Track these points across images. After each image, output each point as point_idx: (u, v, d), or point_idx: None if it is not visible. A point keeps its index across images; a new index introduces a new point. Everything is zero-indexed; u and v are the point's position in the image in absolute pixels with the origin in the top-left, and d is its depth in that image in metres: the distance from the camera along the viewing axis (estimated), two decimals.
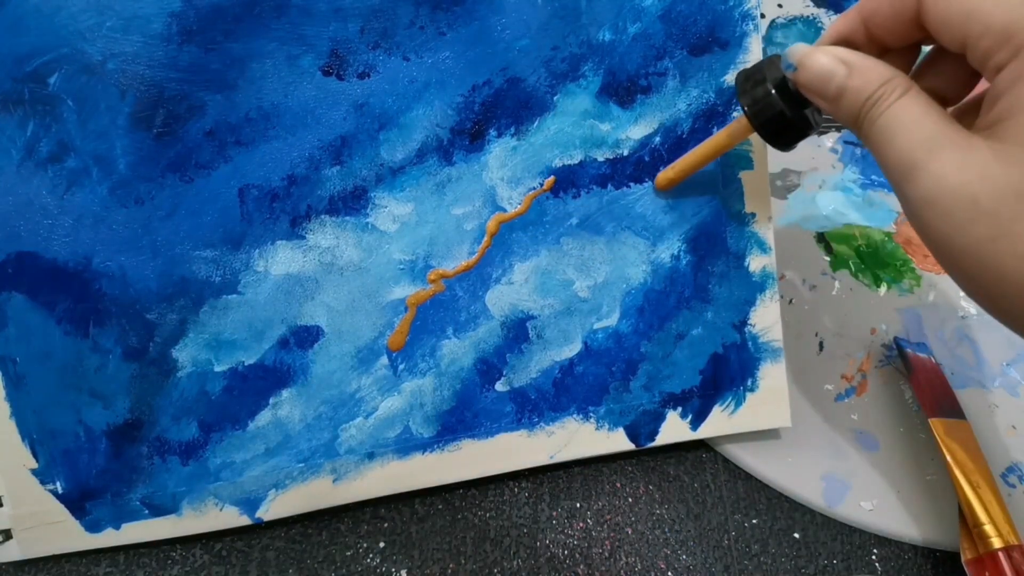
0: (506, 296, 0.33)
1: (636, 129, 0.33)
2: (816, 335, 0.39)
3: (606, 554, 0.34)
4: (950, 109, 0.24)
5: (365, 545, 0.34)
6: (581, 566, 0.34)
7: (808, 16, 0.47)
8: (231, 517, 0.32)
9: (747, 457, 0.36)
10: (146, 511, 0.32)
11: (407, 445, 0.33)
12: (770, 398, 0.35)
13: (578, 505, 0.35)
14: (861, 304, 0.40)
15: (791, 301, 0.40)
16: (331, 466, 0.33)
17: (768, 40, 0.46)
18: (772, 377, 0.35)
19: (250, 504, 0.32)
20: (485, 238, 0.33)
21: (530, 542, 0.34)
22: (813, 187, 0.43)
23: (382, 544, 0.34)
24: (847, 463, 0.36)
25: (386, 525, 0.34)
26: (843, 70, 0.23)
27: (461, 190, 0.32)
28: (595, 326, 0.34)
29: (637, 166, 0.33)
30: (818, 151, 0.44)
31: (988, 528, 0.31)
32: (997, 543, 0.31)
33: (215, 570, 0.33)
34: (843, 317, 0.40)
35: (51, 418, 0.31)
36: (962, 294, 0.41)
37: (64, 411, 0.31)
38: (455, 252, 0.33)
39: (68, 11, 0.28)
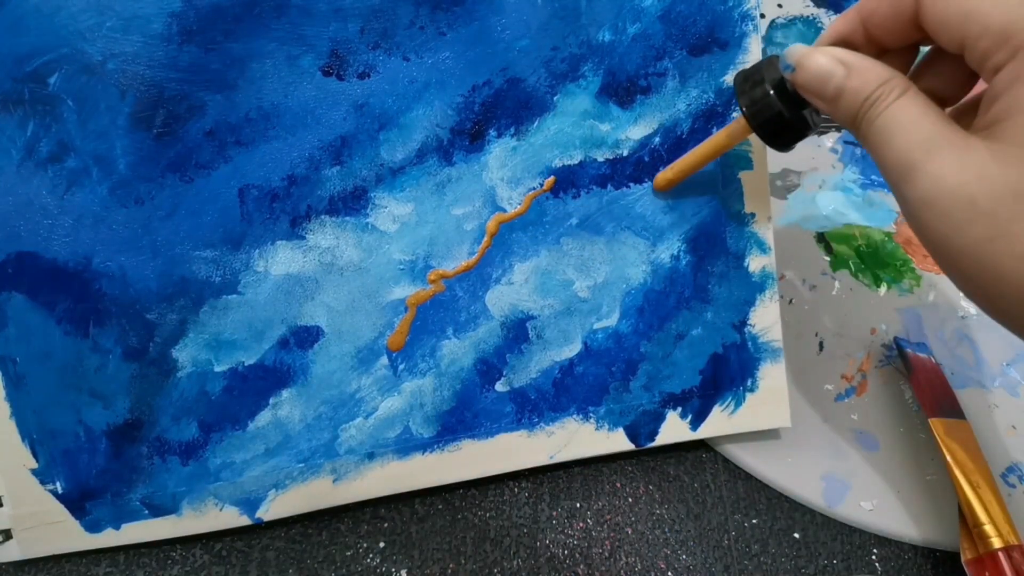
0: (506, 296, 0.33)
1: (636, 129, 0.33)
2: (816, 335, 0.39)
3: (606, 554, 0.34)
4: (948, 110, 0.24)
5: (365, 545, 0.34)
6: (581, 566, 0.34)
7: (808, 16, 0.47)
8: (231, 517, 0.32)
9: (747, 457, 0.36)
10: (146, 511, 0.32)
11: (407, 445, 0.33)
12: (770, 398, 0.35)
13: (578, 505, 0.35)
14: (861, 304, 0.40)
15: (791, 301, 0.40)
16: (331, 466, 0.33)
17: (768, 40, 0.46)
18: (772, 377, 0.35)
19: (250, 504, 0.32)
20: (485, 238, 0.33)
21: (530, 542, 0.34)
22: (813, 187, 0.43)
23: (382, 544, 0.34)
24: (847, 463, 0.36)
25: (386, 525, 0.34)
26: (841, 71, 0.23)
27: (461, 190, 0.32)
28: (595, 326, 0.34)
29: (637, 166, 0.33)
30: (818, 151, 0.44)
31: (988, 528, 0.31)
32: (997, 543, 0.31)
33: (215, 570, 0.33)
34: (843, 317, 0.40)
35: (51, 418, 0.31)
36: (962, 294, 0.41)
37: (64, 411, 0.31)
38: (455, 252, 0.33)
39: (68, 11, 0.28)
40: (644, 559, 0.34)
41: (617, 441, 0.34)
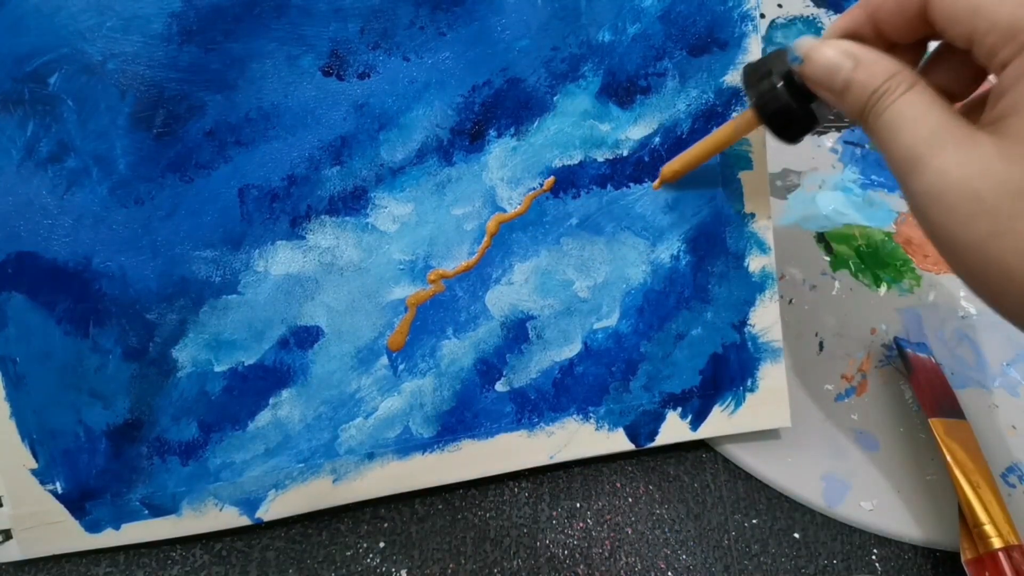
0: (506, 296, 0.33)
1: (636, 129, 0.33)
2: (816, 335, 0.39)
3: (606, 554, 0.34)
4: (956, 106, 0.24)
5: (365, 545, 0.34)
6: (581, 566, 0.34)
7: (808, 16, 0.47)
8: (231, 517, 0.32)
9: (747, 457, 0.36)
10: (146, 511, 0.32)
11: (407, 445, 0.33)
12: (770, 398, 0.35)
13: (578, 505, 0.35)
14: (861, 304, 0.40)
15: (791, 301, 0.40)
16: (331, 466, 0.33)
17: (768, 40, 0.46)
18: (772, 377, 0.35)
19: (250, 504, 0.32)
20: (485, 238, 0.33)
21: (530, 542, 0.34)
22: (813, 187, 0.43)
23: (382, 544, 0.34)
24: (847, 463, 0.36)
25: (386, 525, 0.34)
26: (849, 63, 0.23)
27: (461, 190, 0.32)
28: (595, 326, 0.34)
29: (637, 166, 0.33)
30: (818, 151, 0.44)
31: (988, 528, 0.31)
32: (997, 543, 0.31)
33: (215, 570, 0.33)
34: (843, 317, 0.40)
35: (51, 418, 0.31)
36: (962, 294, 0.41)
37: (64, 411, 0.31)
38: (455, 252, 0.33)
39: (68, 11, 0.28)
40: (644, 559, 0.34)
41: (617, 441, 0.34)
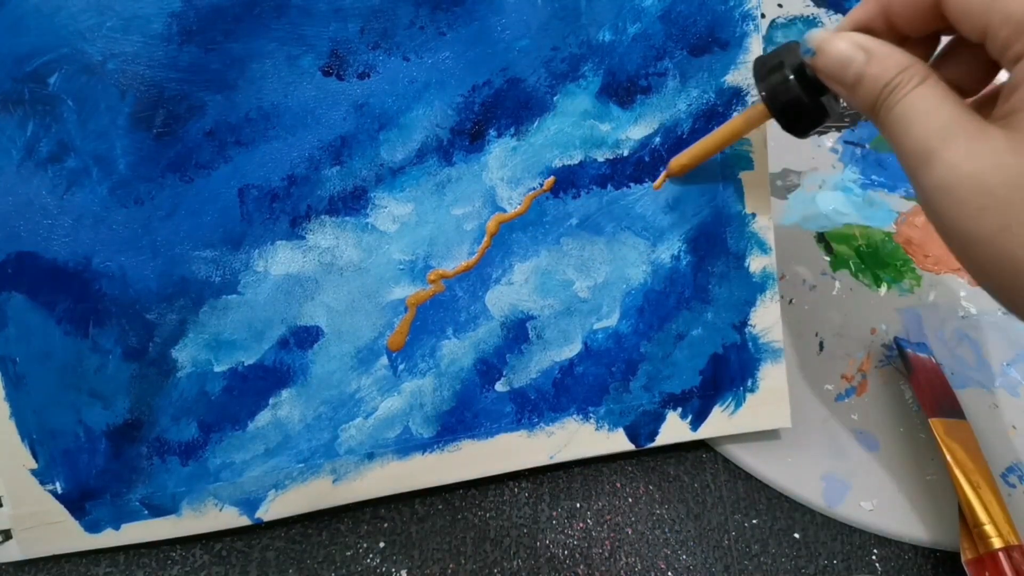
0: (506, 296, 0.33)
1: (636, 129, 0.33)
2: (816, 335, 0.39)
3: (606, 554, 0.34)
4: (968, 101, 0.24)
5: (365, 545, 0.34)
6: (581, 566, 0.34)
7: (808, 16, 0.47)
8: (231, 517, 0.32)
9: (747, 457, 0.36)
10: (146, 511, 0.32)
11: (407, 445, 0.33)
12: (770, 398, 0.35)
13: (578, 505, 0.35)
14: (861, 304, 0.40)
15: (791, 301, 0.40)
16: (331, 466, 0.33)
17: (768, 40, 0.46)
18: (772, 377, 0.35)
19: (250, 504, 0.32)
20: (485, 238, 0.33)
21: (530, 542, 0.34)
22: (813, 187, 0.43)
23: (382, 544, 0.34)
24: (847, 463, 0.36)
25: (386, 525, 0.34)
26: (861, 56, 0.23)
27: (461, 190, 0.32)
28: (595, 326, 0.34)
29: (637, 166, 0.33)
30: (818, 151, 0.44)
31: (988, 528, 0.31)
32: (997, 543, 0.31)
33: (215, 570, 0.33)
34: (843, 317, 0.40)
35: (51, 418, 0.31)
36: (962, 294, 0.41)
37: (64, 411, 0.31)
38: (455, 252, 0.33)
39: (68, 11, 0.28)
40: (644, 559, 0.34)
41: (617, 441, 0.34)
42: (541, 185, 0.33)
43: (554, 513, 0.35)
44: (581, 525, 0.34)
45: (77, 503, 0.31)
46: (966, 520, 0.32)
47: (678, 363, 0.34)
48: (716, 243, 0.34)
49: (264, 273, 0.31)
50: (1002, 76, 0.23)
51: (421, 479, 0.33)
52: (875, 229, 0.42)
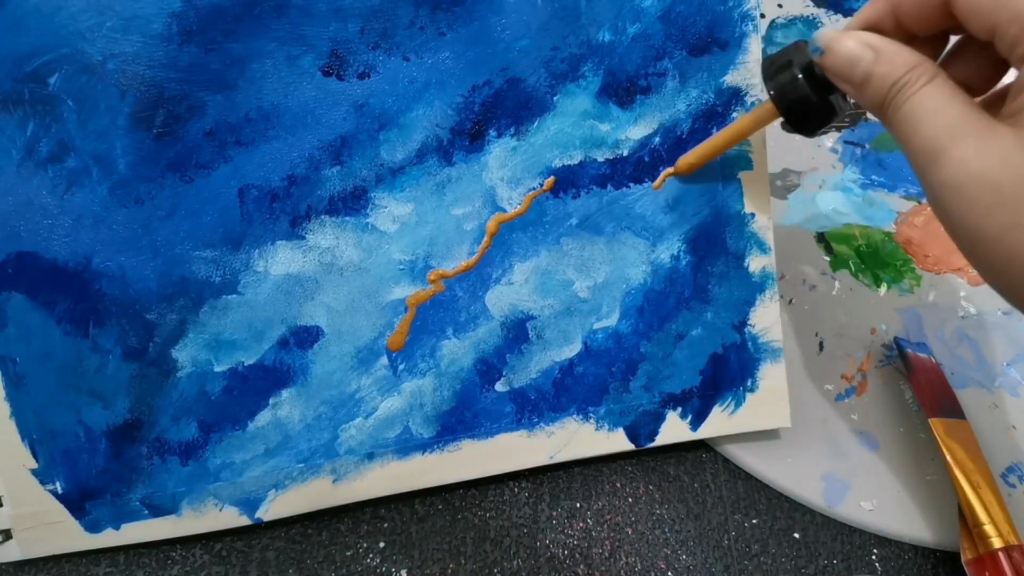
0: (506, 296, 0.33)
1: (636, 129, 0.33)
2: (816, 335, 0.39)
3: (606, 554, 0.34)
4: (977, 99, 0.24)
5: (365, 545, 0.34)
6: (581, 566, 0.34)
7: (808, 16, 0.47)
8: (231, 517, 0.32)
9: (747, 457, 0.36)
10: (146, 511, 0.32)
11: (407, 445, 0.33)
12: (770, 398, 0.35)
13: (578, 505, 0.35)
14: (861, 304, 0.40)
15: (791, 301, 0.40)
16: (331, 466, 0.33)
17: (768, 40, 0.46)
18: (772, 377, 0.35)
19: (250, 504, 0.32)
20: (485, 238, 0.33)
21: (530, 542, 0.34)
22: (813, 187, 0.43)
23: (382, 544, 0.34)
24: (847, 463, 0.36)
25: (386, 525, 0.34)
26: (870, 55, 0.23)
27: (461, 190, 0.32)
28: (595, 326, 0.34)
29: (637, 166, 0.33)
30: (818, 151, 0.44)
31: (988, 528, 0.31)
32: (997, 543, 0.31)
33: (215, 570, 0.33)
34: (843, 317, 0.40)
35: (51, 418, 0.31)
36: (962, 294, 0.41)
37: (64, 411, 0.31)
38: (455, 252, 0.33)
39: (68, 11, 0.28)
40: (644, 559, 0.34)
41: (617, 441, 0.34)
42: (541, 185, 0.33)
43: (554, 513, 0.35)
44: (581, 525, 0.34)
45: (77, 503, 0.31)
46: (966, 520, 0.32)
47: (678, 363, 0.34)
48: (716, 243, 0.34)
49: (264, 273, 0.31)
50: (1011, 75, 0.23)
51: (421, 479, 0.33)
52: (875, 229, 0.42)
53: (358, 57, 0.31)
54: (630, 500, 0.35)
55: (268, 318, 0.32)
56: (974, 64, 0.24)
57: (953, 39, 0.25)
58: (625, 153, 0.33)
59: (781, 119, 0.28)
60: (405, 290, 0.32)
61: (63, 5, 0.28)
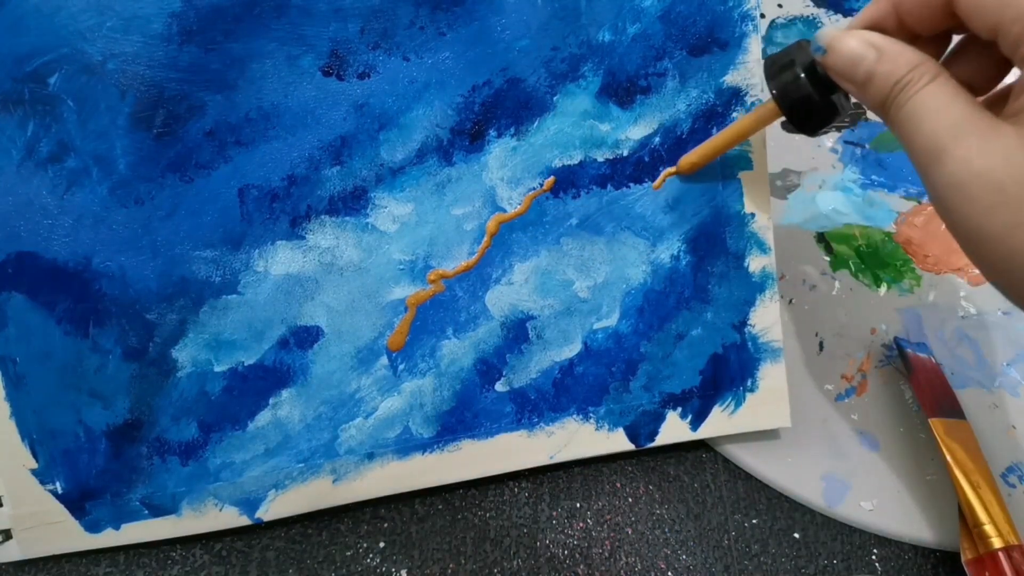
0: (506, 296, 0.33)
1: (636, 129, 0.33)
2: (816, 335, 0.39)
3: (606, 554, 0.34)
4: (979, 99, 0.24)
5: (365, 545, 0.34)
6: (581, 566, 0.34)
7: (808, 16, 0.47)
8: (231, 517, 0.32)
9: (747, 457, 0.36)
10: (146, 511, 0.32)
11: (407, 445, 0.33)
12: (770, 398, 0.35)
13: (578, 505, 0.35)
14: (861, 304, 0.40)
15: (791, 301, 0.40)
16: (331, 466, 0.33)
17: (768, 40, 0.46)
18: (772, 377, 0.35)
19: (250, 504, 0.32)
20: (485, 238, 0.33)
21: (530, 542, 0.34)
22: (813, 187, 0.43)
23: (382, 544, 0.34)
24: (847, 463, 0.36)
25: (386, 525, 0.34)
26: (872, 54, 0.23)
27: (461, 190, 0.32)
28: (595, 326, 0.34)
29: (637, 166, 0.33)
30: (818, 151, 0.44)
31: (988, 528, 0.31)
32: (997, 543, 0.31)
33: (215, 570, 0.33)
34: (843, 317, 0.40)
35: (51, 418, 0.31)
36: (962, 294, 0.41)
37: (64, 411, 0.31)
38: (455, 252, 0.33)
39: (68, 11, 0.28)
40: (644, 559, 0.34)
41: (617, 441, 0.34)
42: (541, 185, 0.33)
43: (554, 513, 0.35)
44: (581, 525, 0.34)
45: (77, 503, 0.31)
46: (966, 520, 0.32)
47: (678, 363, 0.34)
48: (716, 243, 0.34)
49: (264, 273, 0.31)
50: (1013, 74, 0.23)
51: (421, 479, 0.33)
52: (875, 229, 0.42)
53: (358, 57, 0.31)
54: (630, 500, 0.35)
55: (268, 318, 0.32)
56: (976, 63, 0.24)
57: (956, 38, 0.25)
58: (625, 153, 0.33)
59: (782, 119, 0.28)
60: (405, 290, 0.32)
61: (63, 5, 0.28)
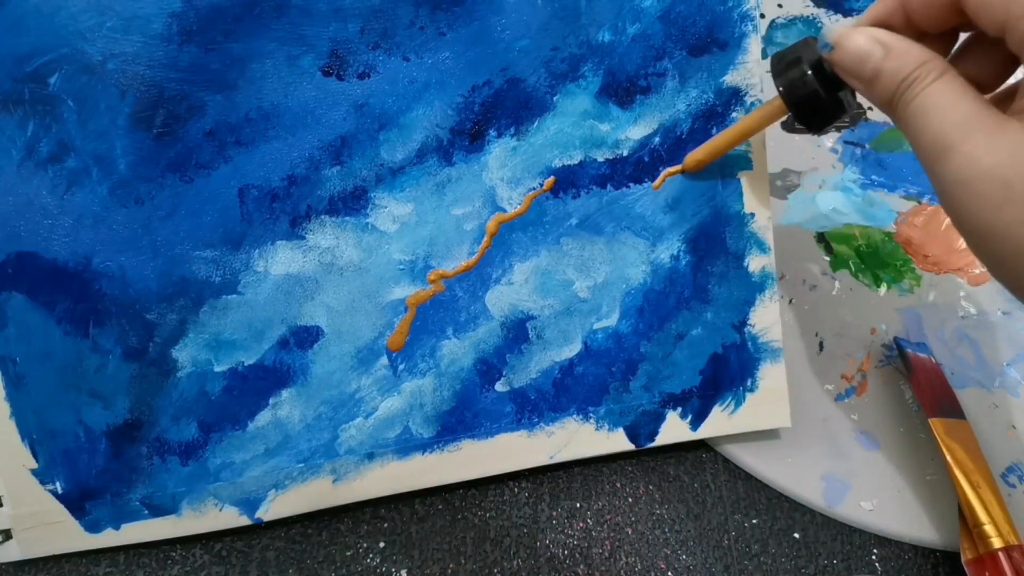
0: (506, 296, 0.33)
1: (636, 129, 0.33)
2: (816, 335, 0.39)
3: (606, 554, 0.34)
4: (987, 96, 0.24)
5: (365, 545, 0.34)
6: (581, 566, 0.34)
7: (808, 16, 0.47)
8: (231, 517, 0.32)
9: (747, 457, 0.36)
10: (146, 511, 0.32)
11: (407, 445, 0.33)
12: (770, 398, 0.35)
13: (578, 505, 0.35)
14: (861, 304, 0.40)
15: (791, 301, 0.40)
16: (331, 466, 0.33)
17: (768, 40, 0.46)
18: (772, 377, 0.35)
19: (250, 504, 0.32)
20: (485, 238, 0.33)
21: (530, 542, 0.34)
22: (813, 187, 0.43)
23: (382, 544, 0.34)
24: (847, 463, 0.36)
25: (386, 525, 0.34)
26: (880, 51, 0.23)
27: (461, 190, 0.32)
28: (595, 326, 0.34)
29: (637, 166, 0.33)
30: (818, 151, 0.44)
31: (988, 528, 0.31)
32: (997, 543, 0.31)
33: (215, 570, 0.33)
34: (843, 317, 0.40)
35: (51, 418, 0.31)
36: (962, 294, 0.41)
37: (64, 411, 0.31)
38: (455, 252, 0.33)
39: (68, 11, 0.28)
40: (644, 559, 0.34)
41: (617, 441, 0.34)
42: (541, 185, 0.33)
43: (554, 513, 0.35)
44: (581, 525, 0.34)
45: (77, 503, 0.31)
46: (966, 520, 0.32)
47: (678, 363, 0.34)
48: (715, 243, 0.34)
49: (264, 273, 0.31)
50: (1020, 72, 0.23)
51: (421, 479, 0.33)
52: (875, 229, 0.42)
53: (358, 57, 0.31)
54: (630, 500, 0.35)
55: (268, 318, 0.32)
56: (984, 61, 0.24)
57: (963, 36, 0.25)
58: (625, 153, 0.33)
59: (782, 118, 0.28)
60: (405, 290, 0.32)
61: (63, 5, 0.28)
